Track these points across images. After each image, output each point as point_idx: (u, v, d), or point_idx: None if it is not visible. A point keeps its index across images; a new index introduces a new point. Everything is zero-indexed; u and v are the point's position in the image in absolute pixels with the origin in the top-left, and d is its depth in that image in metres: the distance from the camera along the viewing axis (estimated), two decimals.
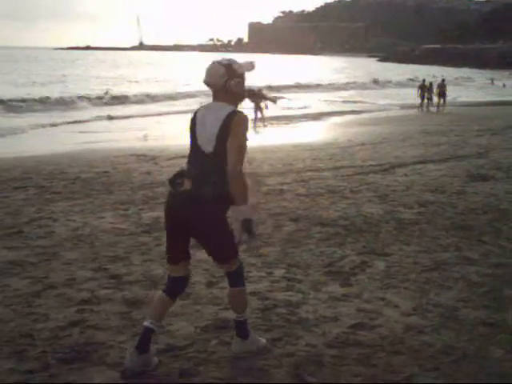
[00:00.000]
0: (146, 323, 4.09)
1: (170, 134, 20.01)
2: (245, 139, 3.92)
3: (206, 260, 6.08)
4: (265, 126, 23.53)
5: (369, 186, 10.40)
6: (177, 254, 4.12)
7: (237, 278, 4.18)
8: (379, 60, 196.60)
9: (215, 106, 4.00)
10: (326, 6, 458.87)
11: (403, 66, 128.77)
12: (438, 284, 5.75)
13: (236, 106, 4.02)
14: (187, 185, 3.92)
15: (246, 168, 4.06)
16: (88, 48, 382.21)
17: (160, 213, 8.31)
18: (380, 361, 4.22)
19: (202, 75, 4.05)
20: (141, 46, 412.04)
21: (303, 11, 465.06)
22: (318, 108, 34.01)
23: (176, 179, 4.01)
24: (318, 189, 10.19)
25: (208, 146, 3.91)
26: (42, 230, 7.57)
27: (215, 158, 3.88)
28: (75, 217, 8.27)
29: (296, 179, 11.13)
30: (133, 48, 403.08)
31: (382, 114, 31.03)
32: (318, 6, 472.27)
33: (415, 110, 33.07)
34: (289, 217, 8.27)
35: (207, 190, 3.85)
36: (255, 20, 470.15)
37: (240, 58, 4.71)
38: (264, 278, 5.88)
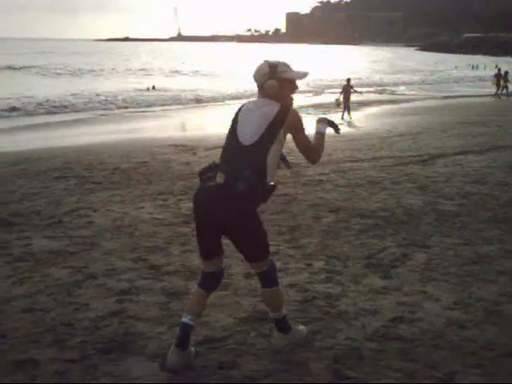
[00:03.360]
0: (184, 319, 3.99)
1: (209, 124, 20.05)
2: (305, 133, 4.11)
3: None
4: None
5: (408, 177, 10.27)
6: (209, 249, 4.03)
7: (268, 279, 4.08)
8: (418, 49, 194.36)
9: (261, 102, 3.98)
10: None
11: (445, 55, 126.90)
12: (480, 278, 5.64)
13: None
14: (220, 178, 3.82)
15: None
16: (127, 39, 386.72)
17: None
18: (420, 356, 4.14)
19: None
20: (179, 37, 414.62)
21: (341, 1, 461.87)
22: None
23: (207, 172, 3.95)
24: (357, 180, 10.11)
25: (249, 139, 3.84)
26: (82, 220, 7.65)
27: (255, 151, 3.82)
28: (115, 207, 8.33)
29: (335, 170, 11.05)
30: (171, 39, 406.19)
31: (421, 104, 30.66)
32: None
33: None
34: (328, 208, 8.20)
35: (240, 182, 3.74)
36: (292, 10, 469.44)
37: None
38: (303, 269, 5.83)
